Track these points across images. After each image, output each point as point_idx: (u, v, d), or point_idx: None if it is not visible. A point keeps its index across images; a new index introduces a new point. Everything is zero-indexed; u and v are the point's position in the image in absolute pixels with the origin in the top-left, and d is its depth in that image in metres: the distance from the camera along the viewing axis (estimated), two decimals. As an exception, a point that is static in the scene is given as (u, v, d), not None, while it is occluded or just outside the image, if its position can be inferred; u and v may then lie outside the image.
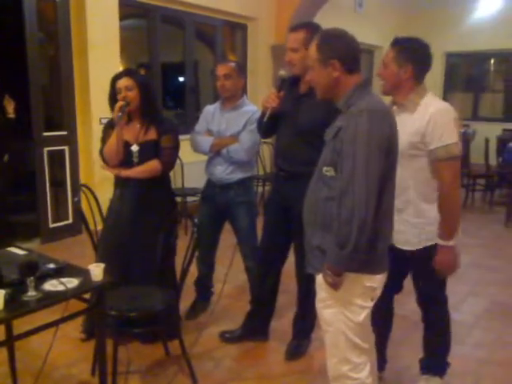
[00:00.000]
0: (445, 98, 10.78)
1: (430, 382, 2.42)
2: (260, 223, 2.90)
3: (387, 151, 1.72)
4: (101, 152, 2.81)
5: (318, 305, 1.92)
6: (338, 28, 1.88)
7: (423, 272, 2.27)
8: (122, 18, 5.33)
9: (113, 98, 2.75)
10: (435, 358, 2.43)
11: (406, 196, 2.17)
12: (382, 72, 2.23)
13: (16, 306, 1.79)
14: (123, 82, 2.70)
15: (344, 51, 1.82)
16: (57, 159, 4.95)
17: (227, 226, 3.26)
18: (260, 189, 6.26)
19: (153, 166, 2.74)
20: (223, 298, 3.52)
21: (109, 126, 2.81)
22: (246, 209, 3.11)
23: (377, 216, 1.69)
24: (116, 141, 2.68)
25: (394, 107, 2.21)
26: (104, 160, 2.80)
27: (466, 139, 8.09)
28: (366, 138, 1.68)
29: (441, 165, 2.09)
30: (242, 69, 3.19)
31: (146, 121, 2.78)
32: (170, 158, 2.80)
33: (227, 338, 3.00)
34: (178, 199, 4.96)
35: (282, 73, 2.60)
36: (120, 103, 2.65)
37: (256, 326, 2.99)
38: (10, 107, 4.40)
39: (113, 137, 2.69)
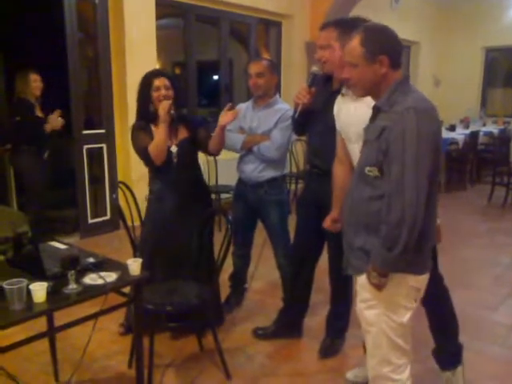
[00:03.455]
0: (484, 94, 10.50)
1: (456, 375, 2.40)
2: (293, 221, 2.90)
3: (434, 149, 1.67)
4: (143, 154, 2.74)
5: (360, 305, 1.89)
6: (379, 23, 1.82)
7: None
8: (158, 17, 5.41)
9: (145, 96, 2.75)
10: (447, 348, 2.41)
11: None
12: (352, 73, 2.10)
13: (57, 298, 1.84)
14: (162, 81, 2.72)
15: (392, 46, 1.76)
16: (95, 157, 5.09)
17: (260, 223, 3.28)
18: (293, 186, 6.25)
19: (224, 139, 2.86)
20: (257, 294, 3.55)
21: (140, 129, 2.79)
22: (277, 207, 3.11)
23: (425, 217, 1.65)
24: (164, 138, 2.68)
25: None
26: (149, 161, 2.75)
27: (507, 136, 7.87)
28: (415, 138, 1.63)
29: None
30: (274, 67, 3.18)
31: (176, 121, 2.81)
32: None
33: (260, 334, 3.02)
34: (212, 196, 5.02)
35: (315, 69, 2.57)
36: (169, 102, 2.67)
37: (289, 323, 3.00)
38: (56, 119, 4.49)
39: (160, 135, 2.67)
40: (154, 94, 2.72)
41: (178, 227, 2.79)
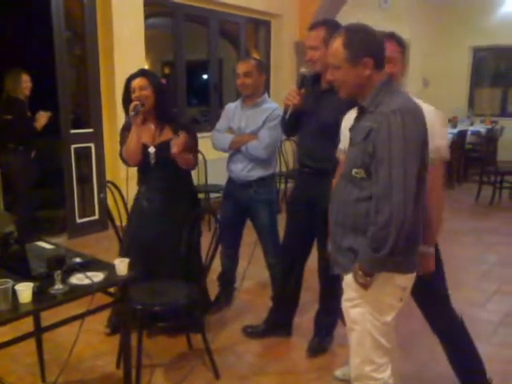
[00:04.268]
0: (471, 94, 10.59)
1: None
2: (282, 220, 2.90)
3: (422, 151, 1.67)
4: (120, 154, 2.85)
5: (346, 304, 1.90)
6: (361, 23, 1.81)
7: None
8: (147, 16, 5.39)
9: (126, 99, 2.77)
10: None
11: None
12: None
13: (43, 298, 1.83)
14: (138, 82, 2.72)
15: (375, 47, 1.74)
16: (83, 156, 5.05)
17: (250, 223, 3.28)
18: (282, 186, 6.26)
19: (189, 159, 2.78)
20: (246, 294, 3.54)
21: (125, 129, 2.84)
22: (266, 207, 3.12)
23: (414, 217, 1.65)
24: (133, 141, 2.71)
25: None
26: (124, 161, 2.84)
27: (494, 136, 7.94)
28: (401, 140, 1.62)
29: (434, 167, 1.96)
30: (263, 66, 3.19)
31: (161, 121, 2.80)
32: (195, 157, 2.84)
33: (249, 332, 3.02)
34: (201, 195, 5.00)
35: (303, 70, 2.59)
36: (134, 103, 2.66)
37: (278, 322, 3.00)
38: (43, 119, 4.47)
39: (130, 137, 2.72)
40: (132, 96, 2.72)
41: (159, 227, 2.79)
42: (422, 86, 10.36)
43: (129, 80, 2.78)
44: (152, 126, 2.81)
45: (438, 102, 9.55)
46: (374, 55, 1.72)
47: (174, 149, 2.66)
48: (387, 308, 1.80)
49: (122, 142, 2.82)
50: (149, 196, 2.84)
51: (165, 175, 2.81)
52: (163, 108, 2.79)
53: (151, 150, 2.77)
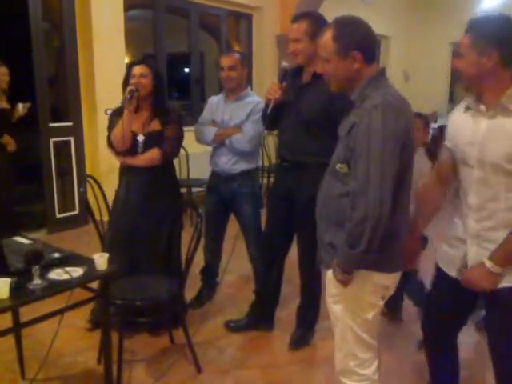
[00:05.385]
0: (452, 89, 10.70)
1: None
2: (265, 214, 2.90)
3: (403, 147, 1.64)
4: (108, 138, 2.83)
5: (328, 299, 1.89)
6: (352, 15, 1.77)
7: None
8: (127, 8, 5.31)
9: (126, 84, 2.78)
10: None
11: (496, 219, 1.75)
12: (458, 63, 1.78)
13: (21, 294, 1.81)
14: (139, 69, 2.75)
15: (365, 41, 1.72)
16: (63, 150, 4.97)
17: (234, 216, 3.27)
18: (265, 180, 6.25)
19: (153, 155, 2.77)
20: (228, 288, 3.55)
21: (115, 113, 2.84)
22: (249, 200, 3.12)
23: (391, 215, 1.62)
24: (124, 125, 2.70)
25: (482, 107, 1.79)
26: (111, 146, 2.83)
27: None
28: (380, 137, 1.60)
29: None
30: (245, 59, 3.19)
31: (154, 111, 2.81)
32: (171, 147, 2.81)
33: (232, 327, 3.02)
34: (184, 190, 4.97)
35: (285, 64, 2.59)
36: (130, 87, 2.68)
37: (260, 316, 3.01)
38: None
39: (121, 121, 2.71)
40: (131, 81, 2.73)
41: (140, 219, 2.77)
42: (403, 80, 10.44)
43: (130, 66, 2.81)
44: (145, 115, 2.81)
45: (419, 96, 9.57)
46: (362, 49, 1.70)
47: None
48: (367, 306, 1.79)
49: (111, 127, 2.82)
50: (131, 187, 2.82)
51: (151, 166, 2.79)
52: (159, 98, 2.81)
53: (140, 138, 2.77)
